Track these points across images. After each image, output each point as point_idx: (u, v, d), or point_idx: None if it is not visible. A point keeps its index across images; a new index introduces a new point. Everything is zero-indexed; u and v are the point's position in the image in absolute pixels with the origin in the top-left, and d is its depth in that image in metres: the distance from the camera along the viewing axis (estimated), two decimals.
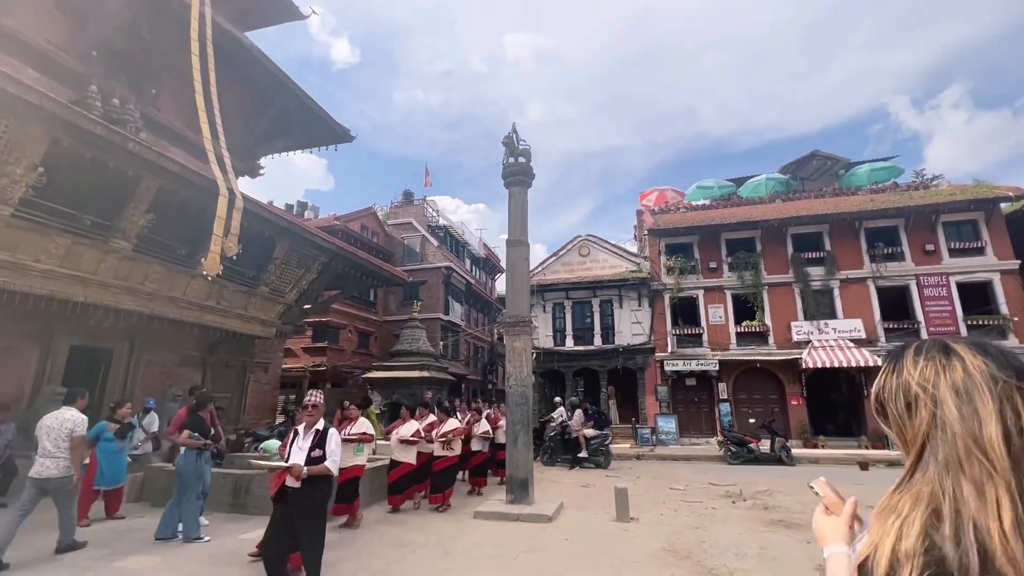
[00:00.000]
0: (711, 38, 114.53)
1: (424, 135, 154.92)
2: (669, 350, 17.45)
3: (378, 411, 16.18)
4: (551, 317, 19.54)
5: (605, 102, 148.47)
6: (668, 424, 16.95)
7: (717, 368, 16.60)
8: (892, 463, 13.18)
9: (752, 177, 21.49)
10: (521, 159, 8.84)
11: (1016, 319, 15.11)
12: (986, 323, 15.36)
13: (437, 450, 7.70)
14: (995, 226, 15.99)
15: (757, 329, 17.07)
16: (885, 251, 16.54)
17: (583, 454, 12.68)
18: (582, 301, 19.30)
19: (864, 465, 12.64)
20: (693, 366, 16.88)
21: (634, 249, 20.82)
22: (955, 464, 0.63)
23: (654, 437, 16.74)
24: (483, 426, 9.12)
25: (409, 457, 7.29)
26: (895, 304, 16.44)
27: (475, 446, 8.94)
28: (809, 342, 16.23)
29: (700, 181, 21.72)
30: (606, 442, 13.04)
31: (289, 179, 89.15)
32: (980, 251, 15.94)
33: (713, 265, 18.04)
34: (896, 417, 0.72)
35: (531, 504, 7.41)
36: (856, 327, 16.09)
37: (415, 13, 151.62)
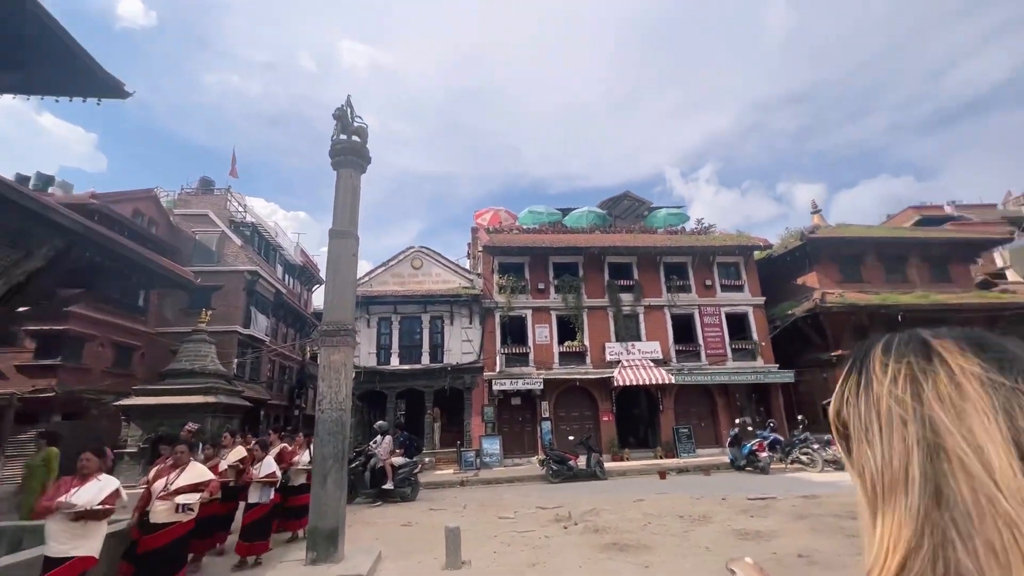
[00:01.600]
0: (535, 93, 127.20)
1: (237, 126, 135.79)
2: (498, 369, 17.27)
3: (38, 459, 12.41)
4: (376, 333, 17.78)
5: (441, 128, 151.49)
6: (493, 446, 16.59)
7: (542, 387, 16.95)
8: (682, 470, 14.87)
9: (575, 208, 23.33)
10: (355, 138, 7.47)
11: (763, 344, 18.86)
12: (744, 347, 18.80)
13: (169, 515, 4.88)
14: (750, 268, 19.95)
15: (577, 349, 18.05)
16: (678, 283, 19.23)
17: (388, 485, 11.20)
18: (412, 316, 18.03)
19: (663, 474, 13.96)
20: (520, 385, 16.95)
21: (467, 267, 20.48)
22: (963, 518, 0.38)
23: (478, 460, 16.16)
24: (266, 467, 6.74)
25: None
26: (684, 329, 19.12)
27: (252, 496, 6.69)
28: (619, 361, 17.72)
29: (532, 206, 22.70)
30: (415, 471, 11.86)
31: (36, 147, 68.08)
32: (740, 288, 19.65)
33: (541, 286, 18.67)
34: (861, 445, 0.47)
35: (340, 561, 5.86)
36: (655, 348, 18.17)
37: None
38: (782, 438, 14.34)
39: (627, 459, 16.77)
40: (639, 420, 19.60)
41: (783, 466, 14.11)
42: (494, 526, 8.30)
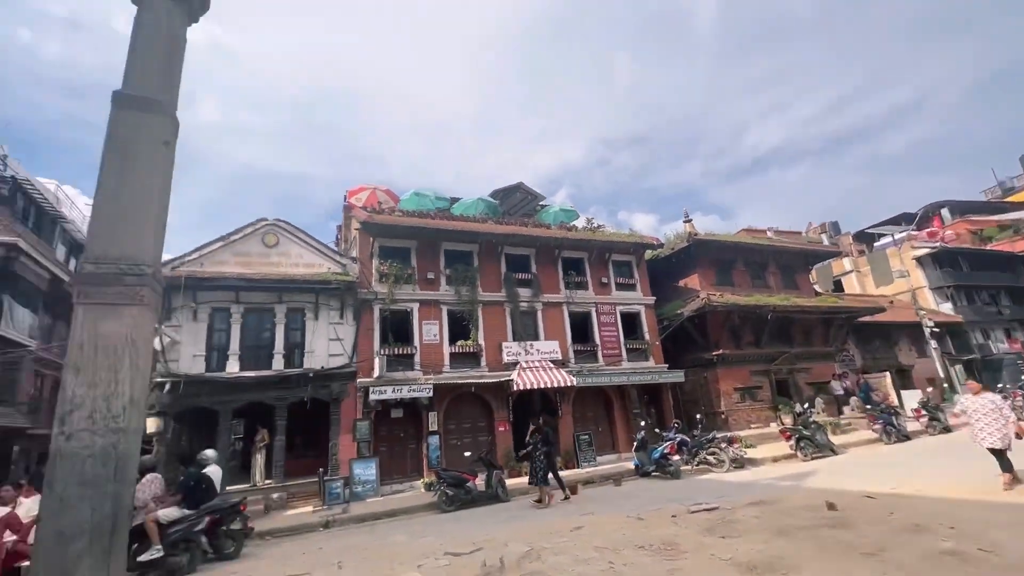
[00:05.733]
0: (401, 104, 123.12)
1: (24, 93, 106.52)
2: (376, 374, 13.99)
3: None
4: (206, 328, 13.18)
5: (294, 124, 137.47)
6: (367, 471, 13.24)
7: (431, 394, 14.13)
8: (589, 482, 13.34)
9: (463, 199, 21.07)
10: None
11: (655, 344, 18.60)
12: (637, 347, 18.30)
13: None
14: (642, 268, 19.74)
15: (471, 349, 15.64)
16: (576, 279, 18.07)
17: (150, 553, 7.00)
18: (261, 308, 13.80)
19: (573, 489, 12.19)
20: (404, 393, 13.90)
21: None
22: None
23: (348, 491, 12.68)
24: None
25: None
26: (581, 328, 17.97)
27: None
28: (517, 363, 15.77)
29: (417, 189, 19.81)
30: (198, 527, 7.72)
31: None
32: (633, 287, 19.27)
33: (431, 276, 15.91)
34: None
35: None
36: (554, 348, 16.63)
37: None
38: (688, 439, 13.68)
39: (525, 474, 14.74)
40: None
41: (689, 468, 13.42)
42: None
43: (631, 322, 18.93)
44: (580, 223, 21.58)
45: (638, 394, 17.77)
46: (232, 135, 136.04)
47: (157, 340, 12.07)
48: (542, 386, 15.07)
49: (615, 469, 14.42)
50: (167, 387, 12.04)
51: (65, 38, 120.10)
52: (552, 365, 16.07)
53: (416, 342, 15.07)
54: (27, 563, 3.03)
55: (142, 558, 6.93)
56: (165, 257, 13.48)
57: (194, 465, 8.87)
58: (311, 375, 13.47)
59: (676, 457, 12.72)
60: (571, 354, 17.09)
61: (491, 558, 6.62)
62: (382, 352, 14.38)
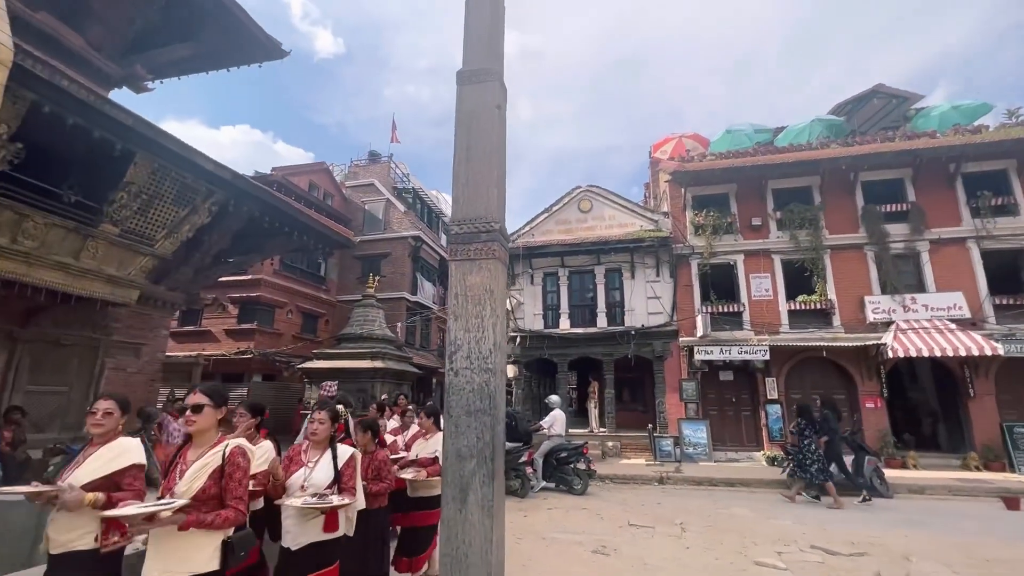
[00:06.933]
0: (696, 46, 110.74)
1: (412, 131, 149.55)
2: (699, 333, 13.02)
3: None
4: (540, 291, 15.02)
5: (593, 102, 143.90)
6: (697, 433, 12.56)
7: (767, 357, 12.21)
8: None
9: (788, 127, 17.20)
10: None
11: None
12: None
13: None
14: None
15: (818, 306, 12.72)
16: (993, 202, 12.27)
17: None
18: (582, 270, 14.80)
19: (1013, 501, 8.35)
20: (732, 354, 12.48)
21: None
22: None
23: (678, 451, 12.35)
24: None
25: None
26: (1007, 272, 12.21)
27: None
28: (892, 323, 11.93)
29: (730, 125, 17.32)
30: (520, 460, 8.72)
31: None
32: None
33: (757, 222, 13.64)
34: None
35: None
36: (956, 302, 11.81)
37: (402, 6, 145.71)
38: None
39: (914, 466, 11.16)
40: (921, 409, 13.41)
41: None
42: None
43: None
44: (991, 121, 14.56)
45: None
46: (544, 126, 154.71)
47: (507, 300, 14.51)
48: (937, 354, 10.93)
49: None
50: (517, 340, 14.33)
51: (428, 81, 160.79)
52: (953, 325, 11.47)
53: (744, 298, 13.26)
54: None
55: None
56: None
57: (547, 408, 10.19)
58: (633, 333, 13.63)
59: None
60: (989, 310, 11.81)
61: (890, 572, 4.95)
62: (704, 310, 13.25)
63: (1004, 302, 11.79)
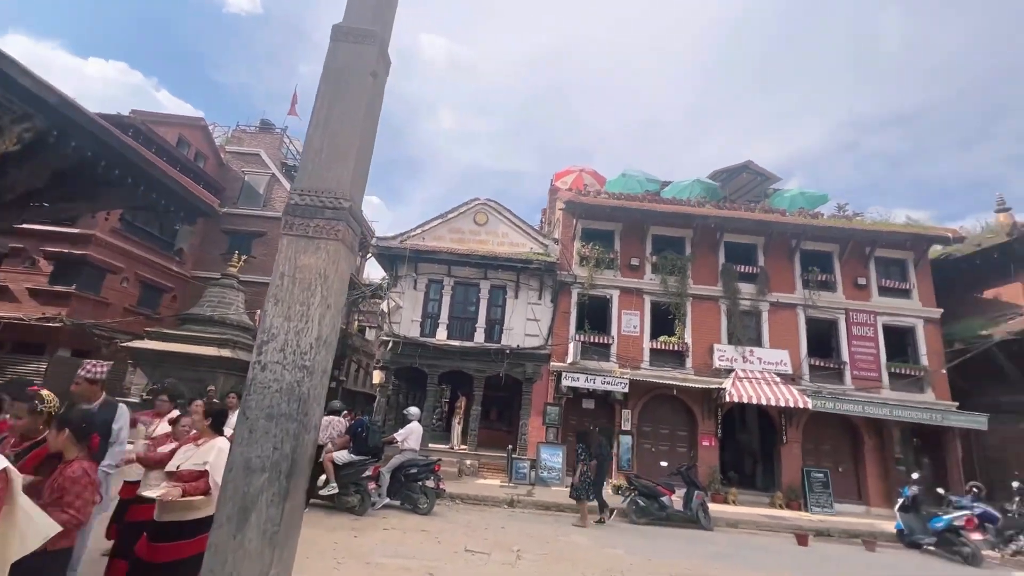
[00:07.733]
0: (611, 100, 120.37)
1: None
2: (570, 360, 13.40)
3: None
4: (423, 297, 14.47)
5: (512, 125, 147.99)
6: (554, 457, 12.79)
7: (626, 389, 12.90)
8: (822, 532, 10.35)
9: (673, 182, 18.91)
10: None
11: (938, 373, 13.67)
12: (907, 373, 13.73)
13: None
14: (923, 269, 14.75)
15: (675, 347, 13.82)
16: (819, 278, 14.44)
17: (326, 489, 7.72)
18: (468, 282, 14.56)
19: (802, 538, 9.53)
20: (597, 384, 13.00)
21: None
22: None
23: (533, 474, 12.45)
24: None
25: None
26: (822, 339, 14.34)
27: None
28: (732, 370, 13.33)
29: (626, 169, 18.54)
30: (364, 474, 8.15)
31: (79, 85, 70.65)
32: (907, 293, 14.53)
33: (635, 263, 14.57)
34: None
35: None
36: (783, 359, 13.57)
37: None
38: (997, 514, 9.46)
39: (733, 501, 12.40)
40: (745, 450, 15.06)
41: (997, 557, 9.27)
42: None
43: (899, 339, 14.33)
44: (827, 210, 17.31)
45: (904, 435, 13.35)
46: (463, 140, 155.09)
47: (384, 303, 13.72)
48: (763, 402, 12.39)
49: (858, 525, 10.97)
50: (389, 345, 13.56)
51: None
52: (778, 379, 13.12)
53: (614, 332, 13.98)
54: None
55: (322, 492, 7.65)
56: (395, 231, 15.26)
57: (404, 419, 9.58)
58: (507, 352, 13.63)
59: (977, 536, 8.85)
60: (805, 368, 13.73)
61: None
62: (577, 338, 13.71)
63: (817, 363, 13.82)
